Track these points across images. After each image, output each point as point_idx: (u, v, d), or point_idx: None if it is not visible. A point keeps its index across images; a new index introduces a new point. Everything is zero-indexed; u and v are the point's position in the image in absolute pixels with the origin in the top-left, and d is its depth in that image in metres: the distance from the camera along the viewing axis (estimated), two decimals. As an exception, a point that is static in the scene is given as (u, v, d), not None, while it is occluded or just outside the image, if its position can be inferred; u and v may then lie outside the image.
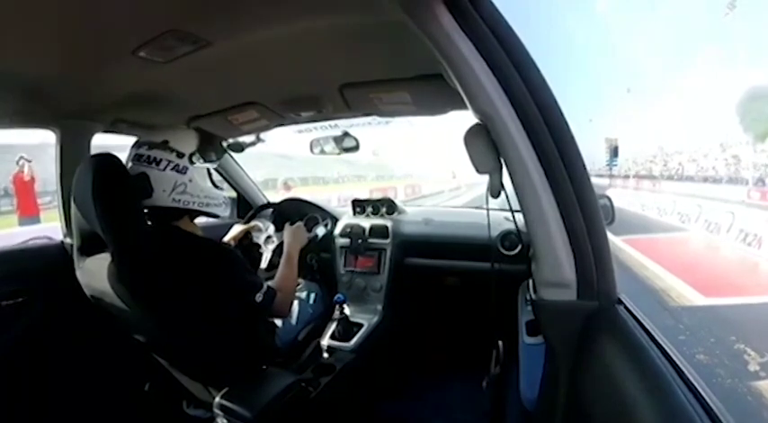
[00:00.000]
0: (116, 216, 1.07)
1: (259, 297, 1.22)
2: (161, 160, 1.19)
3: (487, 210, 1.18)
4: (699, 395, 0.58)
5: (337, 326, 1.92)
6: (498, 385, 1.51)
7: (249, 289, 1.23)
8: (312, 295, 1.99)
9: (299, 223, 1.83)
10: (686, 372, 0.63)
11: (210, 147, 1.32)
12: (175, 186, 1.20)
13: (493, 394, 1.59)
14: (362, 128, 2.08)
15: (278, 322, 1.65)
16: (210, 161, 1.32)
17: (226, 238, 1.93)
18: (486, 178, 0.97)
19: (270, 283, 1.34)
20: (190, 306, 1.13)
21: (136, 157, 1.20)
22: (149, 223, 1.22)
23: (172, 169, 1.20)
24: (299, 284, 2.06)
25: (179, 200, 1.21)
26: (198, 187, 1.25)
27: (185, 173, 1.22)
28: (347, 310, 1.97)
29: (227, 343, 1.24)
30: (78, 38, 1.06)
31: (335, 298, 1.90)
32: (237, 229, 1.99)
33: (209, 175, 1.33)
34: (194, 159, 1.25)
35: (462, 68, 0.82)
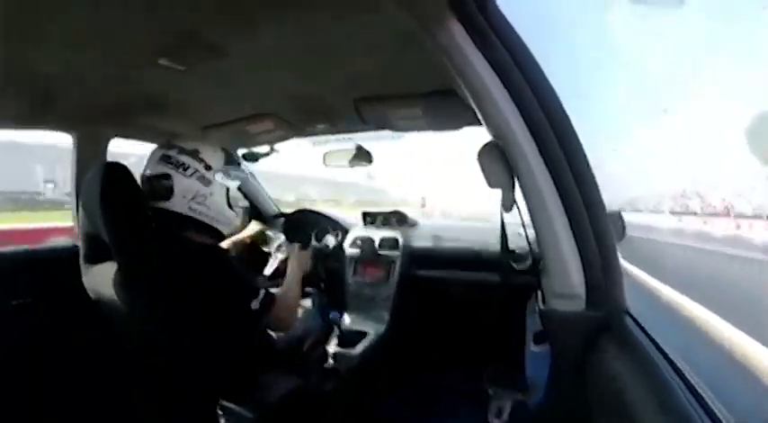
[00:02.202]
0: (122, 225, 1.08)
1: (255, 305, 1.18)
2: (189, 167, 1.19)
3: (502, 223, 1.18)
4: (706, 405, 0.58)
5: (339, 337, 1.91)
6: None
7: (244, 296, 1.19)
8: (317, 303, 1.99)
9: (304, 250, 1.72)
10: (694, 383, 0.63)
11: (235, 166, 1.31)
12: (196, 196, 1.20)
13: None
14: (377, 141, 2.10)
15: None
16: (233, 180, 1.31)
17: (241, 235, 1.93)
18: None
19: (274, 290, 1.30)
20: (190, 314, 1.12)
21: (163, 158, 1.19)
22: (153, 225, 1.19)
23: (197, 179, 1.20)
24: (306, 295, 2.06)
25: (195, 209, 1.21)
26: (215, 202, 1.25)
27: (208, 185, 1.22)
28: (347, 322, 1.97)
29: (228, 347, 1.23)
30: (98, 43, 1.09)
31: (331, 316, 1.90)
32: (255, 227, 2.00)
33: (227, 196, 1.32)
34: (219, 176, 1.25)
35: (475, 84, 0.83)
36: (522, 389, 1.44)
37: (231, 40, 1.13)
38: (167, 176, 1.17)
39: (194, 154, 1.22)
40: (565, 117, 0.83)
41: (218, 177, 1.25)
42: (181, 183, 1.18)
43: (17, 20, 0.95)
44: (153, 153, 1.23)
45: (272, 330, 1.32)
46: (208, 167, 1.23)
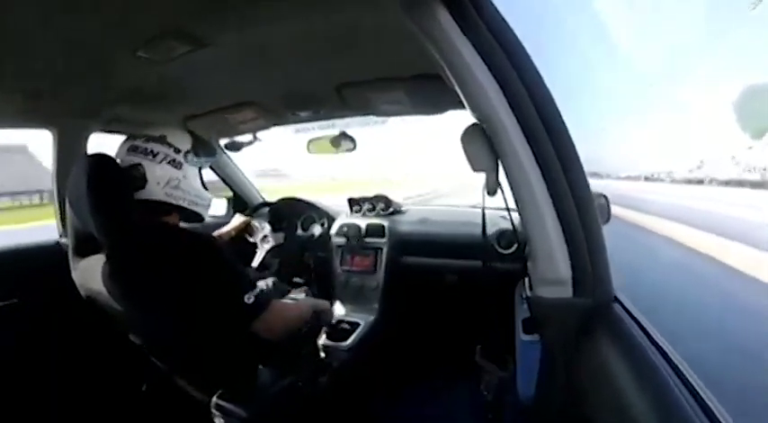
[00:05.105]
0: (109, 212, 1.06)
1: (249, 298, 1.13)
2: (158, 153, 1.17)
3: (483, 208, 1.17)
4: (694, 391, 0.58)
5: (330, 331, 1.91)
6: (502, 388, 1.51)
7: (238, 285, 1.15)
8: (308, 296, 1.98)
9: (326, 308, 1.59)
10: (681, 367, 0.63)
11: (204, 147, 1.30)
12: (169, 181, 1.18)
13: (497, 397, 1.59)
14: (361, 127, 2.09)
15: None
16: (204, 161, 1.30)
17: (226, 229, 1.91)
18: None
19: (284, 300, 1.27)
20: (182, 304, 1.10)
21: (132, 149, 1.17)
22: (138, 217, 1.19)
23: (168, 163, 1.18)
24: (298, 285, 2.05)
25: (171, 195, 1.19)
26: (190, 185, 1.23)
27: (180, 168, 1.21)
28: (341, 311, 1.97)
29: (220, 341, 1.22)
30: (77, 37, 1.06)
31: None
32: (238, 219, 1.98)
33: (200, 176, 1.31)
34: (189, 158, 1.24)
35: (460, 69, 0.81)
36: (507, 369, 1.46)
37: (211, 32, 1.11)
38: (138, 166, 1.15)
39: (161, 140, 1.20)
40: (550, 101, 0.82)
41: (189, 158, 1.23)
42: (153, 170, 1.16)
43: None
44: (121, 146, 1.21)
45: (258, 332, 1.24)
46: (177, 151, 1.21)
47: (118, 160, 1.18)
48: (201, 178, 1.31)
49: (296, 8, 1.00)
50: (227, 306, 1.14)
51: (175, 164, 1.20)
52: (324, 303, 1.55)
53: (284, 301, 1.33)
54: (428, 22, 0.80)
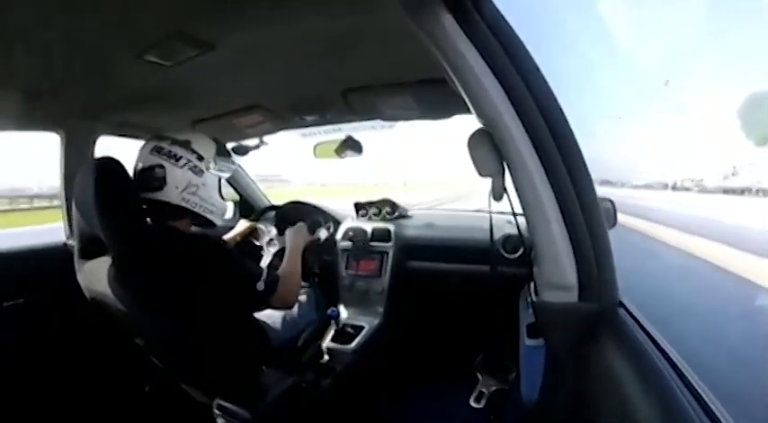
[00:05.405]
0: (117, 218, 1.06)
1: (261, 285, 1.20)
2: (181, 157, 1.19)
3: (490, 213, 1.17)
4: (699, 397, 0.58)
5: (335, 334, 1.92)
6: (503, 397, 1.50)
7: (249, 279, 1.20)
8: (313, 298, 1.99)
9: (301, 224, 1.76)
10: (686, 373, 0.63)
11: (226, 156, 1.31)
12: (188, 186, 1.20)
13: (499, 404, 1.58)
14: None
15: (276, 325, 1.65)
16: (225, 170, 1.32)
17: (231, 234, 1.92)
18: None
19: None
20: (187, 307, 1.12)
21: (155, 149, 1.18)
22: (148, 219, 1.20)
23: (189, 169, 1.20)
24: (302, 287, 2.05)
25: (188, 200, 1.20)
26: (208, 193, 1.25)
27: (201, 176, 1.22)
28: (344, 315, 1.96)
29: (225, 343, 1.23)
30: (77, 38, 1.07)
31: (329, 312, 1.89)
32: (243, 224, 1.99)
33: (219, 185, 1.33)
34: (211, 166, 1.26)
35: (465, 73, 0.81)
36: (507, 379, 1.46)
37: (217, 35, 1.11)
38: (160, 167, 1.17)
39: (186, 145, 1.22)
40: (555, 105, 0.82)
41: (211, 167, 1.25)
42: (173, 173, 1.18)
43: (1, 21, 0.94)
44: (144, 145, 1.22)
45: (275, 309, 1.33)
46: (200, 158, 1.23)
47: (140, 164, 1.19)
48: (220, 187, 1.33)
49: (298, 11, 1.01)
50: (240, 300, 1.19)
51: (196, 170, 1.22)
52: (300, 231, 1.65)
53: (281, 269, 1.36)
54: (431, 24, 0.80)
